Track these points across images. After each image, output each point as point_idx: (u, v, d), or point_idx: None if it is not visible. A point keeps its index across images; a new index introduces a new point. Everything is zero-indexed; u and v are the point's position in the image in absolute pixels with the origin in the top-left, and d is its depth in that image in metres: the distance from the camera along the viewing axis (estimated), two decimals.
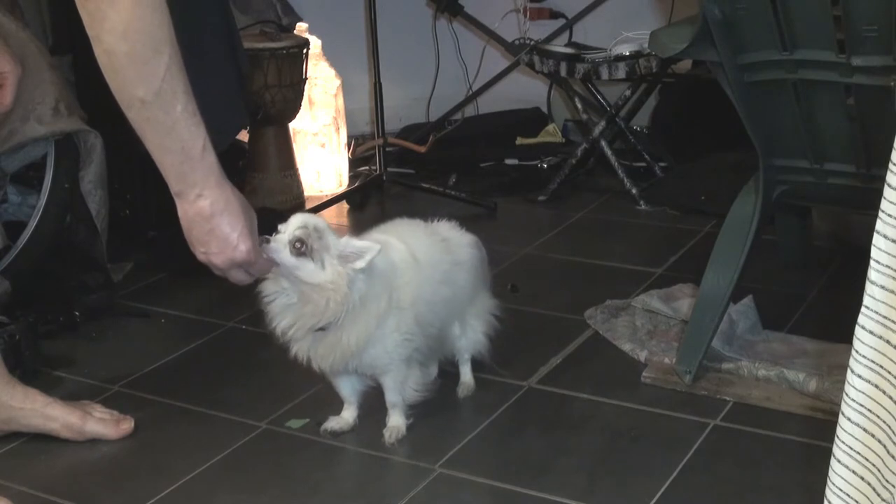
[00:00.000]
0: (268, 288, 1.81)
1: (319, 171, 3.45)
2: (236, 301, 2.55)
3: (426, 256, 1.92)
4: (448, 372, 2.13)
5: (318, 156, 3.45)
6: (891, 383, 0.94)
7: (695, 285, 2.28)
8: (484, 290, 2.08)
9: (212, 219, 1.58)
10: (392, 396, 1.92)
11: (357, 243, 1.77)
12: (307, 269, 1.74)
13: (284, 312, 1.80)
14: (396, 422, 1.93)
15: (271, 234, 1.74)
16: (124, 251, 2.75)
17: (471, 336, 2.05)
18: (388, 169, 3.40)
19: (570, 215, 3.18)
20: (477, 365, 2.10)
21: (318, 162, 3.45)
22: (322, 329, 1.78)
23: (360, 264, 1.75)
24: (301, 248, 1.73)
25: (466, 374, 2.10)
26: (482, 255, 2.08)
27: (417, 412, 1.98)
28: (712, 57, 1.90)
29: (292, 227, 1.75)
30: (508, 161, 3.66)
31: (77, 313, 2.44)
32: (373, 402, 2.01)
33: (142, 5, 1.45)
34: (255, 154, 3.27)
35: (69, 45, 2.78)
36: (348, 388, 1.96)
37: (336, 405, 1.99)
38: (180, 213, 1.60)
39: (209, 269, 1.67)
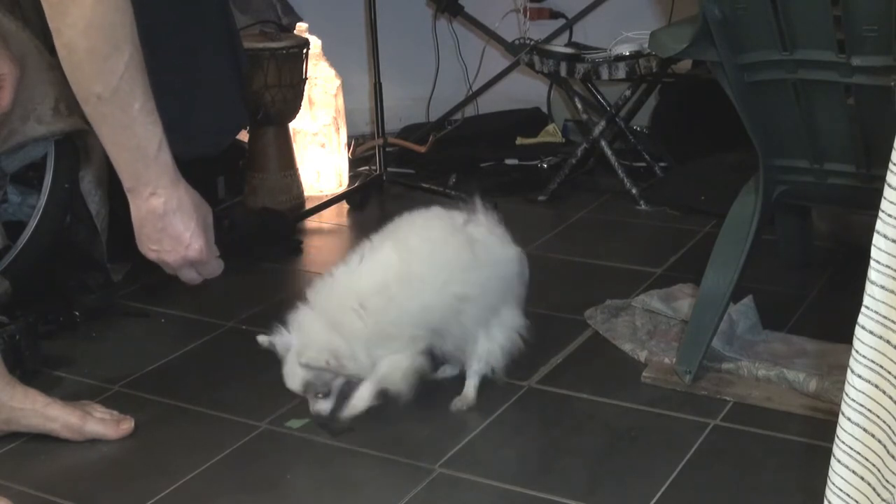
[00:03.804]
0: None
1: (319, 171, 3.45)
2: (236, 301, 2.55)
3: (431, 260, 1.93)
4: (451, 376, 2.13)
5: (318, 156, 3.45)
6: (891, 383, 0.94)
7: (695, 285, 2.27)
8: (513, 305, 2.03)
9: (164, 217, 1.59)
10: (378, 372, 1.94)
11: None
12: (336, 388, 1.92)
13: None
14: (362, 395, 1.95)
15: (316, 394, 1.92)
16: (124, 251, 2.75)
17: (485, 345, 2.00)
18: (388, 169, 3.40)
19: (570, 215, 3.18)
20: None
21: (318, 162, 3.45)
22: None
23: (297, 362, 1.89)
24: (319, 393, 1.91)
25: (469, 388, 2.03)
26: (518, 272, 2.04)
27: (417, 412, 1.98)
28: (712, 57, 1.90)
29: (298, 390, 1.92)
30: (508, 161, 3.65)
31: (77, 313, 2.44)
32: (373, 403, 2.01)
33: (104, 3, 1.45)
34: (255, 154, 3.27)
35: None
36: None
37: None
38: (132, 210, 1.61)
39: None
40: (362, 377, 1.93)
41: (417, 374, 1.95)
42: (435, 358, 2.04)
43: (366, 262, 1.94)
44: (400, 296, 1.91)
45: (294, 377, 1.90)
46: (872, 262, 0.94)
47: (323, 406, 1.92)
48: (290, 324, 1.93)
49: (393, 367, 1.92)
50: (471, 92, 3.95)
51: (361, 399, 1.94)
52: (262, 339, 1.94)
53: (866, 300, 0.95)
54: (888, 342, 0.93)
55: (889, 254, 0.93)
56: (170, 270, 1.68)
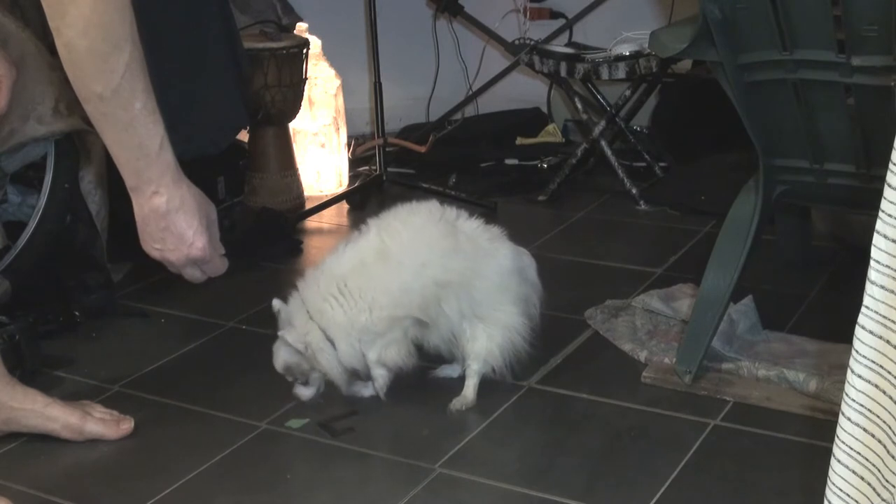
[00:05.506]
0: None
1: (319, 171, 3.45)
2: (236, 301, 2.55)
3: (410, 241, 1.96)
4: (451, 377, 2.13)
5: (318, 156, 3.45)
6: (891, 383, 0.94)
7: (695, 285, 2.28)
8: (510, 304, 2.00)
9: (167, 216, 1.59)
10: (372, 355, 1.97)
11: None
12: (315, 380, 2.00)
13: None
14: (375, 376, 2.00)
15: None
16: (124, 251, 2.75)
17: (484, 344, 1.99)
18: (388, 169, 3.40)
19: (570, 215, 3.18)
20: None
21: (318, 162, 3.45)
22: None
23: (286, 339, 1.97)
24: (296, 378, 2.00)
25: (469, 388, 2.02)
26: (512, 269, 2.02)
27: (417, 412, 1.98)
28: (712, 57, 1.90)
29: (279, 369, 2.01)
30: (508, 161, 3.65)
31: (77, 313, 2.44)
32: (373, 402, 2.01)
33: (103, 2, 1.45)
34: (255, 154, 3.27)
35: None
36: None
37: (336, 405, 1.99)
38: (135, 208, 1.61)
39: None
40: (334, 378, 1.98)
41: (413, 344, 1.99)
42: (434, 357, 2.05)
43: (349, 246, 1.99)
44: (378, 275, 1.93)
45: (277, 356, 1.99)
46: (872, 262, 0.94)
47: (303, 392, 2.01)
48: (286, 308, 2.00)
49: (387, 344, 1.96)
50: (471, 92, 3.95)
51: (377, 379, 1.99)
52: (276, 303, 2.00)
53: (866, 300, 0.95)
54: (888, 342, 0.93)
55: (889, 254, 0.93)
56: (173, 269, 1.68)
